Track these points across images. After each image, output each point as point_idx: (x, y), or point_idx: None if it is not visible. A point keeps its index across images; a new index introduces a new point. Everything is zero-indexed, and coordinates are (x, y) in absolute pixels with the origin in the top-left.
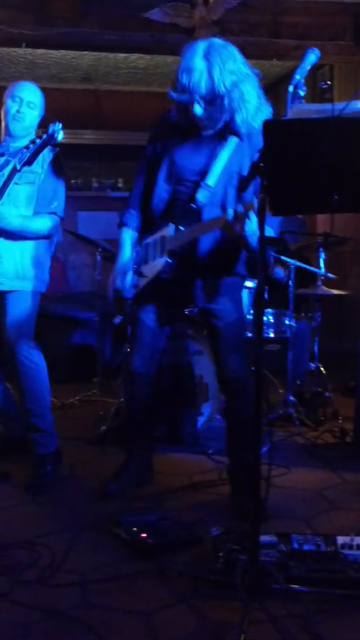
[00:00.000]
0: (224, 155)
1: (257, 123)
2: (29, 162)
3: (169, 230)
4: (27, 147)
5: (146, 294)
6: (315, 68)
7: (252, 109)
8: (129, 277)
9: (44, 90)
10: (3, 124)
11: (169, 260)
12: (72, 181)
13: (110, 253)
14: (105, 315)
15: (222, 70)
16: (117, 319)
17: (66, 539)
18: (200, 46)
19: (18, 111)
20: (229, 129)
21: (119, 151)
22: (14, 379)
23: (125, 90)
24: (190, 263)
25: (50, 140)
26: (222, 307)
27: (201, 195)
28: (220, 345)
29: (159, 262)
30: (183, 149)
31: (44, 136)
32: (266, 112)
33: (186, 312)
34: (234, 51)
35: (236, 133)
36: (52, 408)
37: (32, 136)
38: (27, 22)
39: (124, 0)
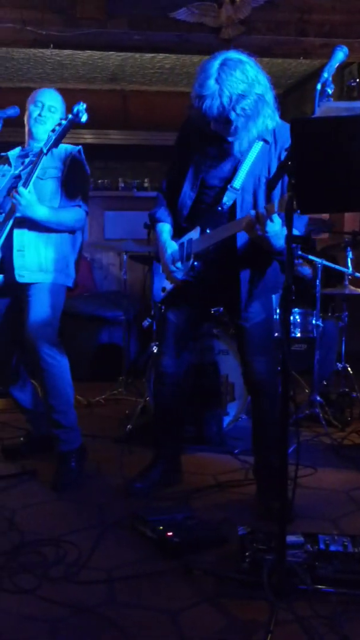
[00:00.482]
0: (249, 159)
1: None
2: (56, 144)
3: (196, 233)
4: (53, 130)
5: (175, 295)
6: (342, 66)
7: (268, 124)
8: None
9: (71, 91)
10: (26, 128)
11: (195, 263)
12: (99, 181)
13: (136, 253)
14: (132, 315)
15: (232, 96)
16: (146, 322)
17: (92, 536)
18: (214, 66)
19: (40, 115)
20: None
21: (145, 151)
22: (37, 375)
23: (151, 90)
24: (222, 264)
25: (75, 120)
26: (249, 308)
27: (227, 198)
28: (247, 346)
29: (186, 265)
30: (208, 155)
31: (70, 116)
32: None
33: (212, 312)
34: (246, 68)
35: (261, 137)
36: (78, 406)
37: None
38: (55, 23)
39: (150, 1)
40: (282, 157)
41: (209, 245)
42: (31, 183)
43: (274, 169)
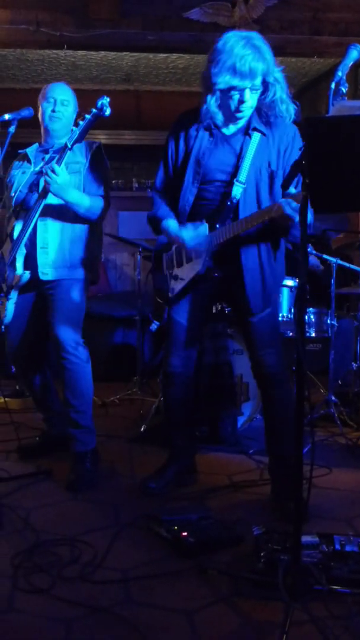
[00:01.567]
0: (251, 151)
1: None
2: (80, 139)
3: (204, 229)
4: (76, 124)
5: (180, 294)
6: (357, 65)
7: (285, 102)
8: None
9: (85, 91)
10: (42, 126)
11: (207, 260)
12: (113, 181)
13: (151, 252)
14: (146, 315)
15: (273, 61)
16: (154, 326)
17: (107, 536)
18: (254, 35)
19: (53, 110)
20: (251, 126)
21: (159, 151)
22: (61, 374)
23: (165, 90)
24: (226, 259)
25: (100, 113)
26: (255, 303)
27: (235, 192)
28: (256, 341)
29: (197, 263)
30: (208, 149)
31: (93, 110)
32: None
33: (226, 311)
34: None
35: (257, 129)
36: (93, 407)
37: (68, 135)
38: (69, 24)
39: (163, 1)
40: (285, 152)
41: (223, 240)
42: (63, 164)
43: (273, 162)
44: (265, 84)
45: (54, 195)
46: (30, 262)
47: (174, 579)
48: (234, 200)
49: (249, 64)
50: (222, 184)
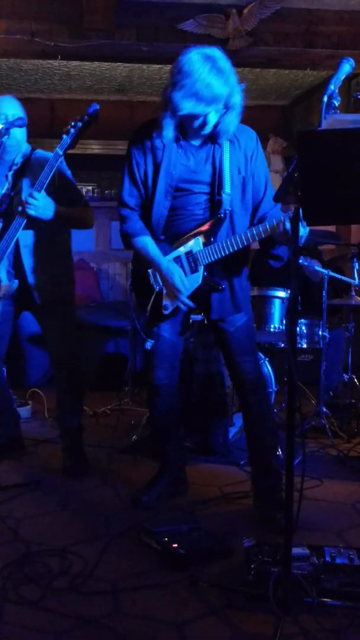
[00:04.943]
0: (226, 160)
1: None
2: (72, 145)
3: (197, 244)
4: (67, 132)
5: (174, 310)
6: (349, 78)
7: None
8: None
9: (79, 101)
10: None
11: (205, 273)
12: (106, 192)
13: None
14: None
15: (236, 83)
16: (149, 344)
17: (98, 547)
18: (218, 55)
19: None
20: (215, 134)
21: None
22: (60, 385)
23: (158, 101)
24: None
25: (92, 121)
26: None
27: (226, 204)
28: (233, 349)
29: (194, 279)
30: (178, 161)
31: (85, 117)
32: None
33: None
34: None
35: (221, 137)
36: (83, 417)
37: (27, 147)
38: (63, 34)
39: (157, 13)
40: (252, 158)
41: (223, 253)
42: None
43: (242, 168)
44: (227, 107)
45: (37, 218)
46: (22, 287)
47: (164, 591)
48: (227, 212)
49: (214, 91)
50: (201, 195)
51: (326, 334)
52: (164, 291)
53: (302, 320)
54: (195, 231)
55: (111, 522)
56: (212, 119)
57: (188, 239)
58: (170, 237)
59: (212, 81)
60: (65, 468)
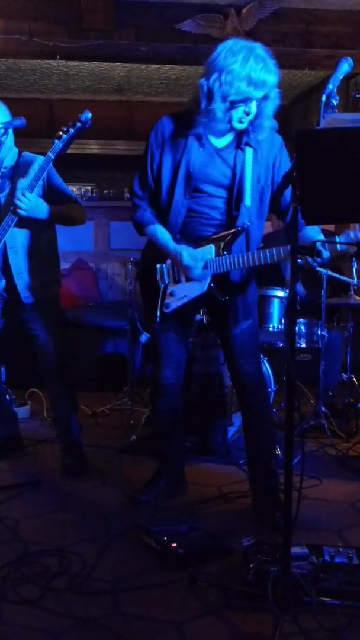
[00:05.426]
0: (248, 169)
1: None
2: (63, 150)
3: (209, 252)
4: (58, 137)
5: (175, 311)
6: (348, 77)
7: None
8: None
9: (77, 101)
10: None
11: (212, 285)
12: (105, 191)
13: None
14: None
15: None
16: (144, 337)
17: (97, 547)
18: (259, 46)
19: None
20: (242, 140)
21: None
22: (51, 385)
23: (157, 101)
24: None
25: (83, 128)
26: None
27: (244, 217)
28: (236, 351)
29: (200, 284)
30: (200, 161)
31: (78, 124)
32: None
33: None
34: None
35: (249, 144)
36: (82, 416)
37: (15, 150)
38: (61, 34)
39: (156, 13)
40: (274, 165)
41: (233, 267)
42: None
43: (262, 177)
44: (266, 98)
45: (28, 217)
46: (9, 287)
47: (163, 590)
48: (245, 225)
49: (263, 76)
50: (220, 200)
51: (325, 333)
52: (168, 290)
53: (301, 319)
54: (210, 238)
55: (110, 522)
56: (254, 108)
57: (201, 245)
58: (185, 238)
59: (261, 66)
60: (64, 467)
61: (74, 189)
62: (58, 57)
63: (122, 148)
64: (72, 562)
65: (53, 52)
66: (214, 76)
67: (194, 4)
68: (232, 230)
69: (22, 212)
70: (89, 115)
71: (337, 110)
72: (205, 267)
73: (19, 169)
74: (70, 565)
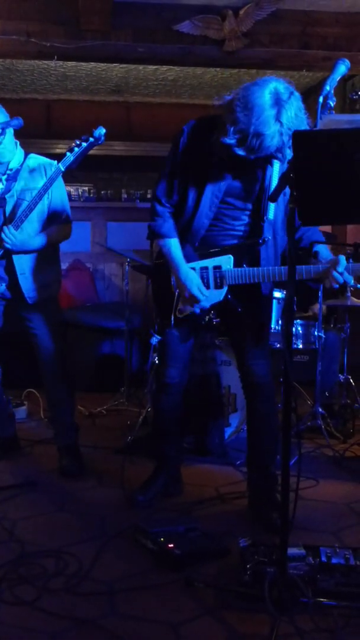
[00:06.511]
0: (274, 183)
1: None
2: (75, 163)
3: (228, 262)
4: (70, 149)
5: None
6: (345, 79)
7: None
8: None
9: (75, 102)
10: None
11: (229, 297)
12: (102, 192)
13: (139, 263)
14: (134, 326)
15: (290, 133)
16: (155, 340)
17: (93, 548)
18: (268, 102)
19: None
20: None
21: (148, 162)
22: (50, 384)
23: (154, 101)
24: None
25: (96, 143)
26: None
27: (267, 231)
28: (247, 352)
29: (217, 295)
30: (230, 174)
31: (91, 139)
32: None
33: (214, 322)
34: (298, 104)
35: (276, 157)
36: (79, 417)
37: (21, 152)
38: (59, 35)
39: (154, 14)
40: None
41: (251, 281)
42: (26, 220)
43: (288, 189)
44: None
45: (16, 252)
46: (12, 287)
47: (160, 591)
48: (266, 240)
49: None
50: (244, 212)
51: (322, 334)
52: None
53: (298, 320)
54: (229, 247)
55: (107, 522)
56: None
57: (220, 253)
58: (204, 247)
59: (268, 117)
60: (61, 467)
61: (71, 190)
62: (56, 57)
63: (120, 149)
64: (69, 562)
65: (51, 52)
66: (250, 130)
67: (191, 5)
68: (250, 241)
69: (8, 247)
70: (103, 131)
71: (334, 112)
72: (219, 285)
73: (23, 171)
74: (67, 566)
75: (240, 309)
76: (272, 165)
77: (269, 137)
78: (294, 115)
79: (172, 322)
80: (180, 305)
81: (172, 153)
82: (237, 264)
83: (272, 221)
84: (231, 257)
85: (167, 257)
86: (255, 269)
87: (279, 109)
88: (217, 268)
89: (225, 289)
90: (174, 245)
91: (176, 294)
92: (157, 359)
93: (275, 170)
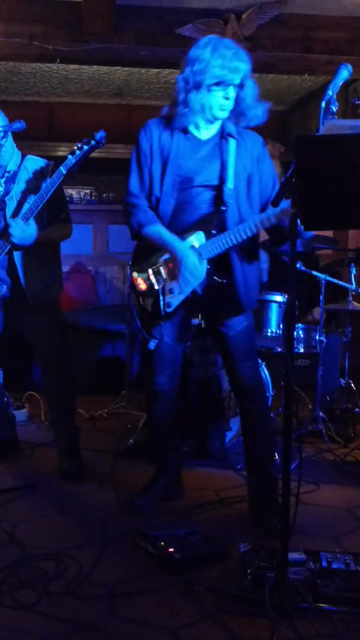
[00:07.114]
0: (232, 156)
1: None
2: (76, 166)
3: (199, 238)
4: (72, 152)
5: (177, 307)
6: (347, 83)
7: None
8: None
9: (77, 105)
10: None
11: (209, 267)
12: (104, 195)
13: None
14: (135, 328)
15: (230, 66)
16: (152, 344)
17: (94, 551)
18: (201, 45)
19: None
20: (224, 132)
21: None
22: (50, 386)
23: (156, 105)
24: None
25: (97, 146)
26: (233, 317)
27: (228, 197)
28: (232, 354)
29: (200, 271)
30: (187, 154)
31: (92, 142)
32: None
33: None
34: (227, 43)
35: (231, 135)
36: (80, 420)
37: (18, 154)
38: (61, 38)
39: (156, 17)
40: (259, 161)
41: (226, 246)
42: (32, 216)
43: (248, 166)
44: (242, 86)
45: (18, 245)
46: (14, 288)
47: (160, 595)
48: (228, 204)
49: (235, 62)
50: (207, 189)
51: (323, 338)
52: (167, 287)
53: (299, 324)
54: (197, 225)
55: (107, 526)
56: (232, 92)
57: (190, 233)
58: (175, 231)
59: (232, 53)
60: (62, 471)
61: (72, 192)
62: (58, 60)
63: (122, 152)
64: (69, 566)
65: (53, 55)
66: (188, 68)
67: (194, 8)
68: (214, 210)
69: (14, 240)
70: (104, 134)
71: (336, 117)
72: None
73: (21, 173)
74: (67, 569)
75: (224, 281)
76: (227, 141)
77: (205, 62)
78: (225, 46)
79: (163, 318)
80: (167, 298)
81: (136, 151)
82: (208, 236)
83: (233, 190)
84: (201, 232)
85: (159, 242)
86: (224, 233)
87: (211, 48)
88: (191, 248)
89: (204, 263)
90: (162, 230)
91: (158, 289)
92: (147, 366)
93: (232, 147)
